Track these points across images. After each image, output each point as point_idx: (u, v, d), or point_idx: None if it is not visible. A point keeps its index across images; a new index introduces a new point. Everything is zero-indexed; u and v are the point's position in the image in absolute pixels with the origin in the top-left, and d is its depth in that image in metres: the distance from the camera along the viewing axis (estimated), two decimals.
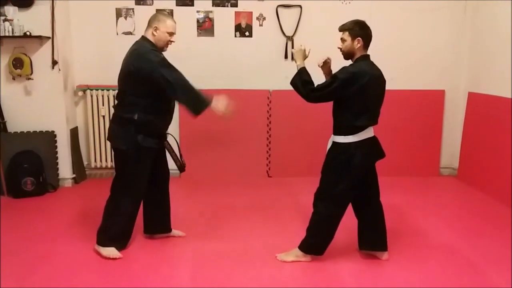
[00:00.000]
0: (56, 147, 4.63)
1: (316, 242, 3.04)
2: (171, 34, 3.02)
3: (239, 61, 5.00)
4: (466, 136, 5.07)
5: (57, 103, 4.59)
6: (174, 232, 3.45)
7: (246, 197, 4.45)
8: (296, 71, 2.96)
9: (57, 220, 3.77)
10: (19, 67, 4.36)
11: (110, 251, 3.07)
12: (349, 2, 4.95)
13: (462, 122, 5.15)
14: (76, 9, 4.77)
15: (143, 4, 4.81)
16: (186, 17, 4.87)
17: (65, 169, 4.72)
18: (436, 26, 5.09)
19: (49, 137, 4.58)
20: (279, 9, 4.95)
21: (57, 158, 4.65)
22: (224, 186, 4.81)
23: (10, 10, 4.29)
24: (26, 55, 4.40)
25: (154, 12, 4.70)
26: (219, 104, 2.94)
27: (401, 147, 5.14)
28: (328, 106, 2.96)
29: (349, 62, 2.94)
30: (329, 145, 2.98)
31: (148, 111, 2.93)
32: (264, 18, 4.97)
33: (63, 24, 4.61)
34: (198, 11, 4.91)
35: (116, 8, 4.81)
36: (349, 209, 3.04)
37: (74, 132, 4.85)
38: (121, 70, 3.00)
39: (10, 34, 4.28)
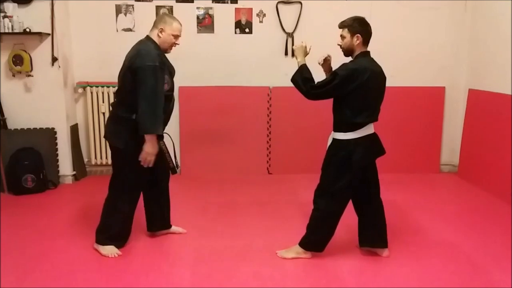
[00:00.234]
0: (56, 144, 4.63)
1: (316, 239, 3.04)
2: (177, 37, 3.01)
3: (239, 58, 4.99)
4: (467, 133, 5.07)
5: (57, 100, 4.59)
6: (174, 228, 3.46)
7: (246, 194, 4.45)
8: (296, 68, 2.95)
9: (57, 217, 3.78)
10: (19, 64, 4.36)
11: (109, 250, 3.08)
12: None
13: (462, 119, 5.15)
14: (76, 5, 4.76)
15: (143, 1, 4.79)
16: (186, 13, 4.86)
17: (65, 166, 4.72)
18: (437, 22, 5.08)
19: (49, 134, 4.58)
20: (279, 6, 4.94)
21: (57, 155, 4.65)
22: (224, 183, 4.82)
23: (10, 7, 4.28)
24: (26, 52, 4.40)
25: (154, 8, 4.78)
26: (153, 145, 2.89)
27: (401, 144, 5.14)
28: (328, 102, 2.95)
29: (350, 59, 2.93)
30: (329, 142, 2.98)
31: None
32: (264, 15, 4.96)
33: (62, 20, 4.60)
34: (198, 8, 4.90)
35: (115, 5, 4.80)
36: (350, 206, 3.04)
37: (74, 129, 4.85)
38: (122, 67, 2.98)
39: (10, 31, 4.27)
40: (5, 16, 4.25)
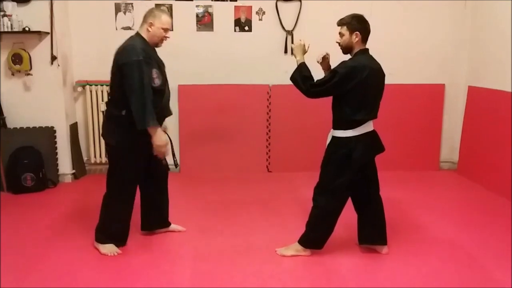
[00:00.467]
0: (55, 142, 4.63)
1: (315, 236, 3.04)
2: (166, 30, 2.99)
3: (239, 56, 4.99)
4: (466, 130, 5.07)
5: (57, 98, 4.59)
6: (174, 227, 3.46)
7: (246, 192, 4.45)
8: (296, 66, 2.95)
9: (57, 216, 3.78)
10: (18, 62, 4.35)
11: (109, 248, 3.08)
12: None
13: (462, 116, 5.15)
14: (75, 4, 4.75)
15: None
16: (185, 11, 4.86)
17: (64, 165, 4.72)
18: (436, 20, 5.07)
19: (49, 133, 4.57)
20: (279, 4, 4.93)
21: (56, 153, 4.65)
22: (224, 181, 4.82)
23: (9, 6, 4.28)
24: (25, 50, 4.39)
25: (153, 6, 4.75)
26: (157, 137, 2.90)
27: (401, 142, 5.14)
28: (328, 100, 2.95)
29: (348, 56, 2.93)
30: (329, 139, 2.98)
31: None
32: (264, 13, 4.95)
33: (62, 19, 4.59)
34: (197, 6, 4.89)
35: (115, 3, 4.79)
36: (349, 204, 3.04)
37: (73, 128, 4.85)
38: (112, 65, 2.99)
39: (9, 30, 4.27)
40: (4, 15, 4.25)
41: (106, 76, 4.80)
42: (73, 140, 4.81)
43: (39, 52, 4.45)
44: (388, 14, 4.99)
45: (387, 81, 2.98)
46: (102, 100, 4.81)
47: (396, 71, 4.87)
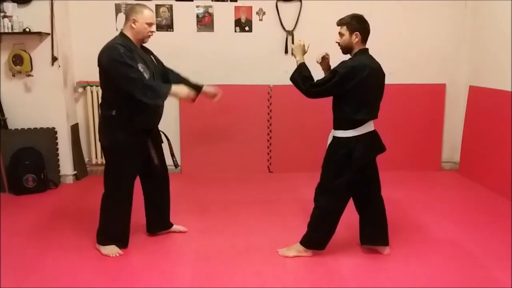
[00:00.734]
0: (57, 143, 4.63)
1: (317, 237, 3.04)
2: (150, 24, 2.96)
3: (239, 56, 4.99)
4: (467, 130, 5.06)
5: (57, 99, 4.59)
6: (175, 227, 3.46)
7: (247, 193, 4.45)
8: (295, 66, 2.95)
9: (58, 217, 3.78)
10: (19, 63, 4.36)
11: (110, 249, 3.08)
12: None
13: (463, 116, 5.14)
14: (76, 5, 4.76)
15: (142, 0, 4.78)
16: (186, 12, 4.86)
17: (66, 166, 4.73)
18: (437, 20, 5.07)
19: (50, 134, 4.58)
20: (279, 4, 4.93)
21: (58, 154, 4.65)
22: (225, 181, 4.82)
23: (9, 7, 4.28)
24: (25, 51, 4.40)
25: (154, 7, 4.77)
26: (180, 94, 2.93)
27: (402, 142, 5.14)
28: (329, 101, 2.95)
29: (348, 56, 2.93)
30: (330, 140, 2.98)
31: (123, 107, 2.90)
32: (264, 13, 4.95)
33: (62, 20, 4.60)
34: (197, 6, 4.89)
35: (115, 4, 4.79)
36: (350, 204, 3.04)
37: (74, 129, 4.85)
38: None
39: (10, 31, 4.27)
40: (4, 16, 4.25)
41: None
42: (74, 141, 4.81)
43: (40, 53, 4.46)
44: (388, 14, 4.98)
45: (388, 81, 2.98)
46: None
47: (397, 71, 4.87)
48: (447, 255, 3.10)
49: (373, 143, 2.93)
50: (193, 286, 2.72)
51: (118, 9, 4.80)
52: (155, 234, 3.39)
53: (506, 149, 4.29)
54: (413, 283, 2.75)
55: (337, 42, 2.92)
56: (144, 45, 3.10)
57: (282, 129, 5.12)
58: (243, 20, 4.95)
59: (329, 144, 2.97)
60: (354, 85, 2.75)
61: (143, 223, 3.40)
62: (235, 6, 4.91)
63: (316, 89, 2.84)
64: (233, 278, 2.79)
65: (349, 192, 2.98)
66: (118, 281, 2.76)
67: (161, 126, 3.25)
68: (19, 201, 4.19)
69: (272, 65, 5.00)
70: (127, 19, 2.97)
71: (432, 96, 5.20)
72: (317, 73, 2.97)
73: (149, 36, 3.00)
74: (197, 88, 3.23)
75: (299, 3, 4.94)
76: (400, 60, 5.02)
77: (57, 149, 4.65)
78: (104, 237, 3.11)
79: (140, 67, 2.87)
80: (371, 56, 2.89)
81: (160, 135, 3.24)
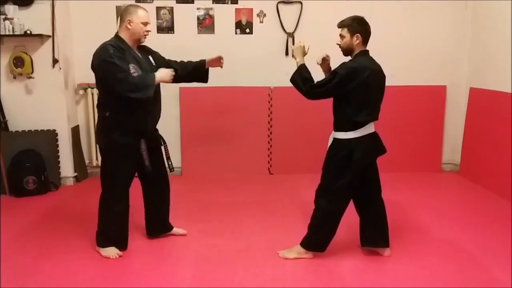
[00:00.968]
0: (57, 145, 4.64)
1: (318, 239, 3.03)
2: (146, 24, 2.96)
3: (240, 58, 4.98)
4: (468, 131, 5.06)
5: (58, 101, 4.60)
6: (175, 230, 3.45)
7: (247, 194, 4.45)
8: (296, 68, 2.95)
9: (59, 219, 3.78)
10: (20, 66, 4.37)
11: (110, 251, 3.08)
12: None
13: (463, 118, 5.14)
14: (76, 7, 4.77)
15: (143, 2, 4.79)
16: (186, 14, 4.87)
17: (66, 168, 4.73)
18: (437, 21, 5.07)
19: (51, 136, 4.58)
20: (280, 6, 4.94)
21: (58, 156, 4.66)
22: (225, 183, 4.82)
23: (11, 9, 4.29)
24: (26, 53, 4.41)
25: (155, 10, 4.79)
26: (162, 77, 2.94)
27: (403, 143, 5.13)
28: (329, 102, 2.95)
29: (349, 58, 2.93)
30: (330, 141, 2.98)
31: (117, 108, 2.91)
32: (265, 15, 4.96)
33: (63, 22, 4.61)
34: (198, 8, 4.90)
35: (116, 6, 4.79)
36: (351, 206, 3.03)
37: (75, 131, 4.86)
38: None
39: (11, 33, 4.28)
40: (5, 18, 4.27)
41: None
42: (75, 143, 4.82)
43: (41, 55, 4.47)
44: (388, 14, 4.99)
45: (389, 83, 2.98)
46: None
47: (397, 72, 4.87)
48: (447, 256, 3.10)
49: (374, 144, 2.93)
50: (193, 287, 2.72)
51: (119, 11, 4.80)
52: (154, 237, 3.38)
53: (506, 151, 4.29)
54: (414, 284, 2.75)
55: (338, 44, 2.92)
56: (147, 46, 3.11)
57: (282, 131, 5.12)
58: (243, 22, 4.96)
59: (330, 146, 2.97)
60: (354, 86, 2.75)
61: (142, 225, 3.39)
62: (235, 8, 4.92)
63: (316, 91, 2.85)
64: (233, 279, 2.79)
65: (350, 193, 2.97)
66: (118, 282, 2.76)
67: (162, 127, 3.25)
68: (20, 203, 4.19)
69: (273, 67, 5.01)
70: (122, 20, 2.97)
71: (432, 97, 5.20)
72: (318, 75, 2.97)
73: (145, 36, 3.00)
74: (202, 65, 3.28)
75: (299, 5, 4.95)
76: (400, 61, 5.02)
77: (58, 151, 4.65)
78: (103, 239, 3.10)
79: (132, 67, 2.87)
80: (371, 58, 2.89)
81: (159, 139, 3.23)
